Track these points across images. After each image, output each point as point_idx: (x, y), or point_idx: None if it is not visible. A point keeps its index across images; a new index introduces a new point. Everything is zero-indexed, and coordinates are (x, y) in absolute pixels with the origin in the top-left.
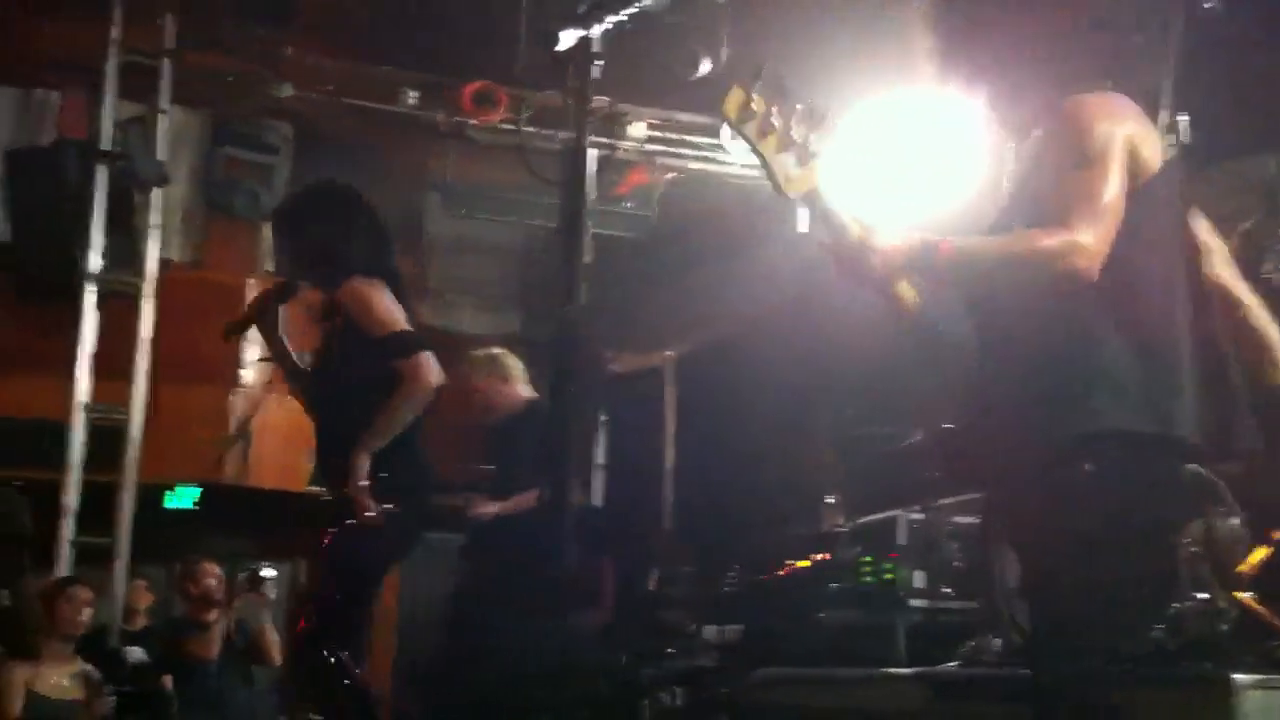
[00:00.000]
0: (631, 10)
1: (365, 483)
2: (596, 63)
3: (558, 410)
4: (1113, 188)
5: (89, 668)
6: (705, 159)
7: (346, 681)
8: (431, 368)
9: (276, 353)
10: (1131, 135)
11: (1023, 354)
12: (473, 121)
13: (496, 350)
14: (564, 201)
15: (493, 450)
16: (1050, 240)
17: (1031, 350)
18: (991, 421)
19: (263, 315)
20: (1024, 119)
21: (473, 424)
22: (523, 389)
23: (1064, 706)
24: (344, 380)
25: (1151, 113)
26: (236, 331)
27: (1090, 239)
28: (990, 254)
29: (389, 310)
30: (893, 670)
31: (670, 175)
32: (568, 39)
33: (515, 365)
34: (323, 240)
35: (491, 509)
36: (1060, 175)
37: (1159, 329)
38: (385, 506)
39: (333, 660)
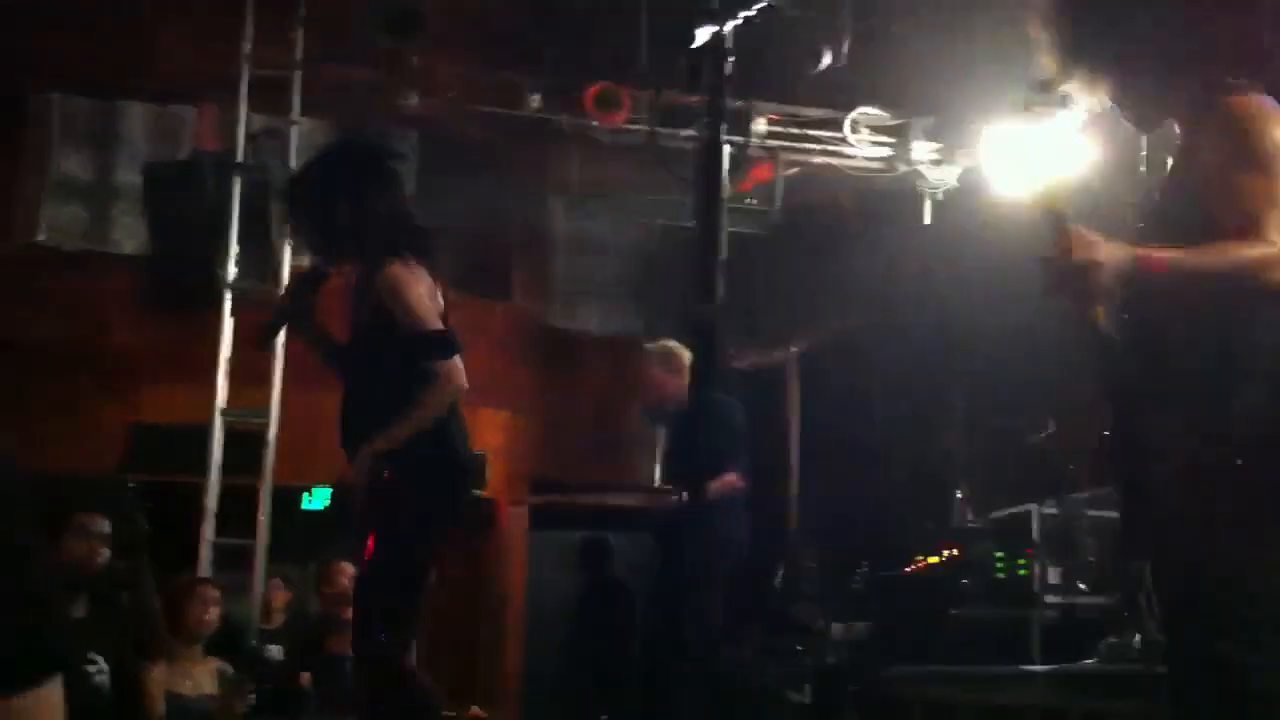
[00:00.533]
0: (761, 5)
1: (367, 478)
2: (729, 59)
3: (698, 408)
4: None
5: (225, 665)
6: (827, 153)
7: (399, 676)
8: (460, 372)
9: (314, 339)
10: None
11: (1177, 353)
12: (595, 123)
13: (671, 343)
14: (699, 198)
15: (665, 441)
16: (1254, 252)
17: (1185, 349)
18: (1150, 420)
19: (294, 311)
20: (1160, 113)
21: (648, 413)
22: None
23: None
24: (371, 366)
25: None
26: (268, 337)
27: None
28: (1201, 267)
29: (424, 303)
30: (1028, 667)
31: (792, 170)
32: (702, 35)
33: (687, 358)
34: (351, 214)
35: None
36: (1235, 178)
37: None
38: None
39: (388, 655)
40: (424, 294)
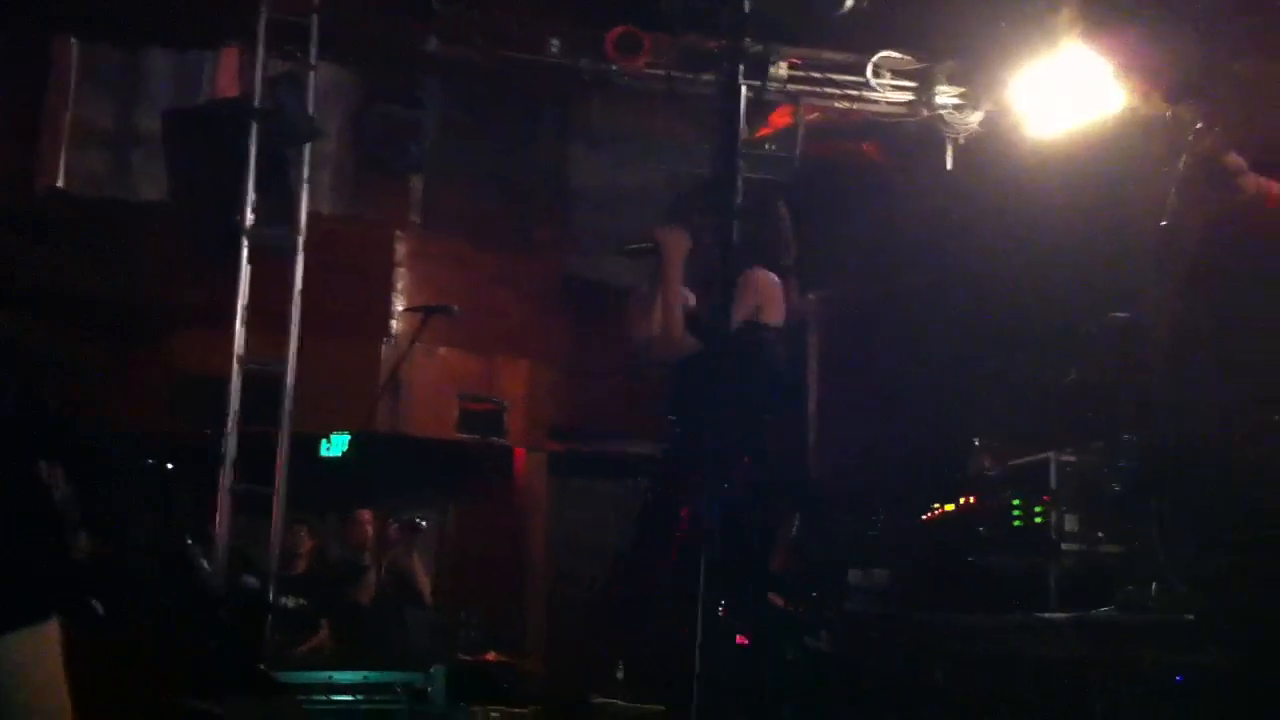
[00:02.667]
0: None
1: None
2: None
3: (713, 357)
4: None
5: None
6: (849, 97)
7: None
8: None
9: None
10: None
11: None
12: (615, 67)
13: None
14: (717, 144)
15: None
16: None
17: (1247, 319)
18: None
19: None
20: (1186, 85)
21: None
22: None
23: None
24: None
25: None
26: None
27: None
28: None
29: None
30: (1046, 615)
31: (813, 115)
32: None
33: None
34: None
35: None
36: None
37: None
38: None
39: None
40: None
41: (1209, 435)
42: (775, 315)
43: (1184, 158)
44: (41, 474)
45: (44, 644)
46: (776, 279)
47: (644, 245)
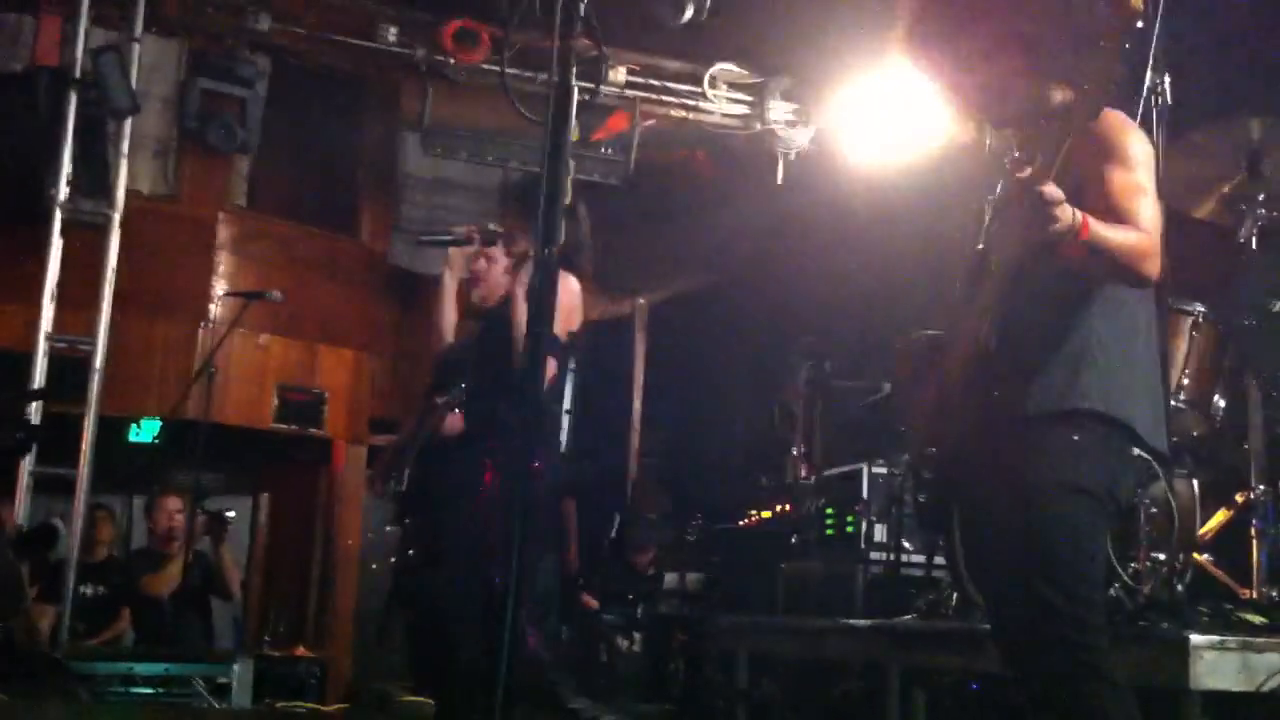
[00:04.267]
0: None
1: None
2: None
3: (533, 351)
4: (1157, 205)
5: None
6: (685, 106)
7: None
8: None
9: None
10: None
11: (1032, 328)
12: (453, 60)
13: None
14: (546, 141)
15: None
16: (1143, 242)
17: (1037, 327)
18: (988, 384)
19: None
20: (1010, 113)
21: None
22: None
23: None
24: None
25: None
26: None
27: (1159, 247)
28: (1112, 243)
29: (565, 310)
30: (852, 621)
31: (650, 122)
32: None
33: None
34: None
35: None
36: (1117, 183)
37: (1138, 326)
38: None
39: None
40: (568, 306)
41: (966, 448)
42: (574, 321)
43: (1001, 183)
44: None
45: None
46: (577, 282)
47: (441, 237)
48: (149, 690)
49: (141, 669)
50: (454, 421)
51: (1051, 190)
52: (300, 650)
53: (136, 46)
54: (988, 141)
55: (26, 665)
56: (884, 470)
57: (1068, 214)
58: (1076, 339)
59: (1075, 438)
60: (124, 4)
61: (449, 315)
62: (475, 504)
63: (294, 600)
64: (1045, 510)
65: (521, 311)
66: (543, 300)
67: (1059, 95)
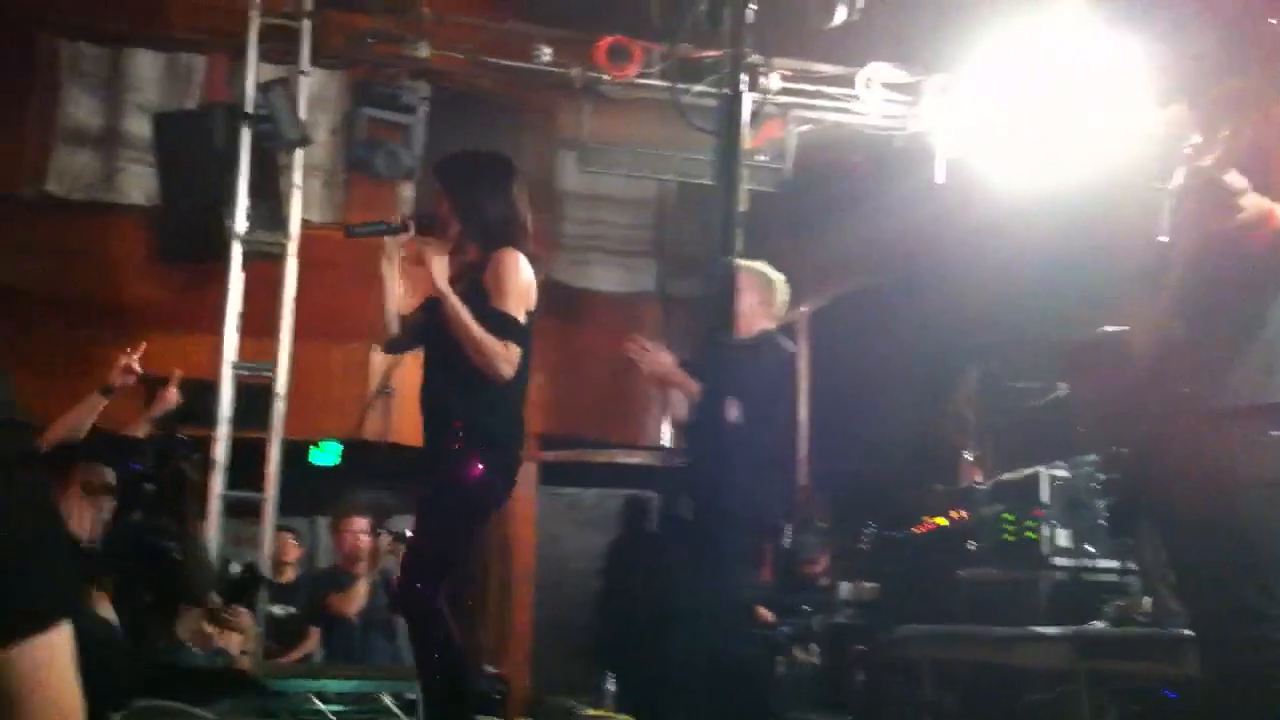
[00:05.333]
0: None
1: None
2: (751, 7)
3: (712, 362)
4: None
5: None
6: (840, 110)
7: (443, 632)
8: (513, 363)
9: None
10: None
11: (1221, 321)
12: (607, 76)
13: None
14: (719, 151)
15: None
16: None
17: (1226, 319)
18: (1177, 380)
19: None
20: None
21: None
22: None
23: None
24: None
25: None
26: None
27: None
28: None
29: (520, 290)
30: (1039, 629)
31: (805, 127)
32: None
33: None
34: (490, 203)
35: None
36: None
37: None
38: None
39: (434, 610)
40: (523, 282)
41: (1161, 446)
42: (531, 300)
43: (1182, 172)
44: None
45: (56, 649)
46: (525, 260)
47: (375, 226)
48: (340, 707)
49: (333, 686)
50: None
51: (1234, 179)
52: (482, 666)
53: (303, 79)
54: (1160, 125)
55: (226, 684)
56: (1064, 473)
57: (1251, 203)
58: (1269, 330)
59: (1276, 433)
60: (289, 39)
61: (392, 309)
62: None
63: (472, 617)
64: (1251, 510)
65: (455, 305)
66: (722, 303)
67: (1233, 80)
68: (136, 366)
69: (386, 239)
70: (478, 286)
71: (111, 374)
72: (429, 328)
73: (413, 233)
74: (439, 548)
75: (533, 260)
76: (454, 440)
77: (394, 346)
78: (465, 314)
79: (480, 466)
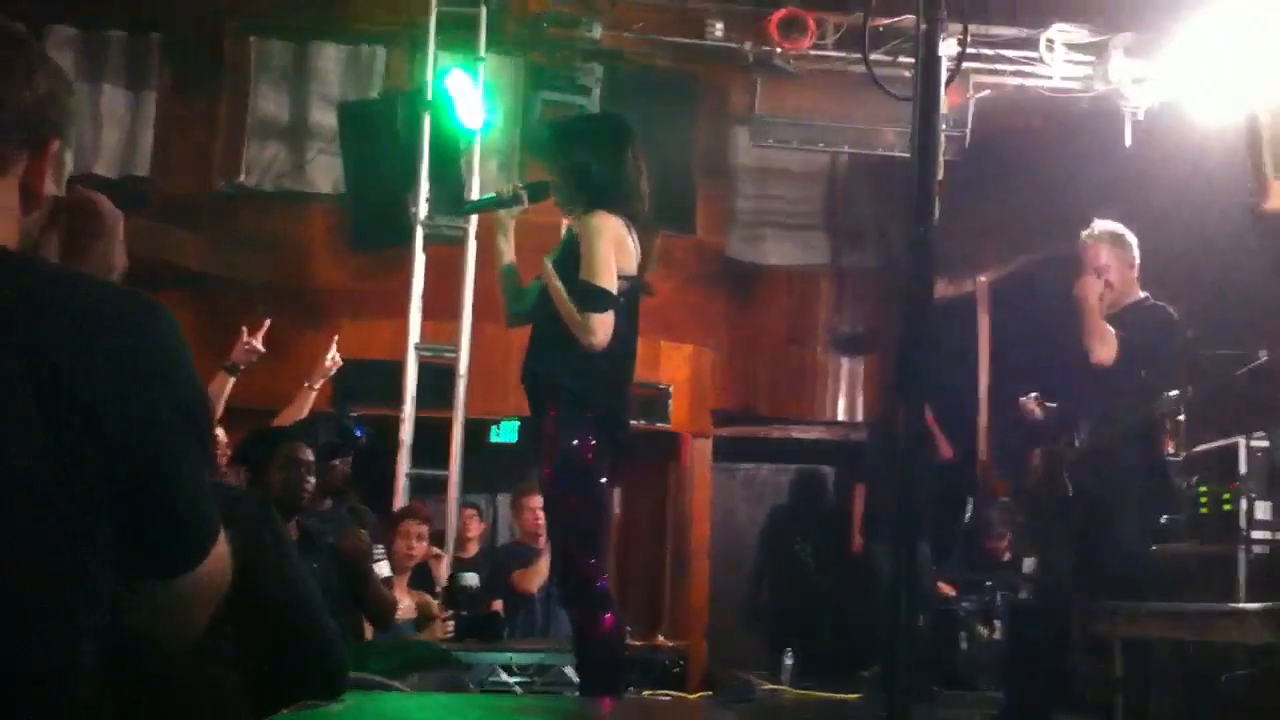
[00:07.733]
0: None
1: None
2: None
3: (909, 334)
4: None
5: (426, 597)
6: (1020, 73)
7: (599, 600)
8: (604, 330)
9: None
10: None
11: None
12: (779, 49)
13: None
14: (915, 118)
15: None
16: None
17: None
18: None
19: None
20: None
21: None
22: None
23: None
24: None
25: None
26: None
27: None
28: None
29: (607, 256)
30: (1241, 604)
31: (984, 92)
32: None
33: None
34: (593, 165)
35: None
36: None
37: None
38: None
39: (587, 579)
40: (609, 248)
41: None
42: (625, 263)
43: None
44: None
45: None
46: (619, 220)
47: (486, 199)
48: (525, 679)
49: (519, 658)
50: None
51: None
52: (659, 640)
53: (481, 66)
54: None
55: (418, 657)
56: (1264, 444)
57: None
58: None
59: None
60: (467, 27)
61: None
62: None
63: (649, 591)
64: None
65: (548, 274)
66: (920, 277)
67: None
68: (259, 345)
69: (499, 212)
70: (573, 252)
71: (234, 352)
72: (539, 300)
73: (525, 203)
74: (567, 517)
75: (635, 220)
76: (545, 406)
77: (515, 320)
78: (555, 282)
79: (572, 428)
